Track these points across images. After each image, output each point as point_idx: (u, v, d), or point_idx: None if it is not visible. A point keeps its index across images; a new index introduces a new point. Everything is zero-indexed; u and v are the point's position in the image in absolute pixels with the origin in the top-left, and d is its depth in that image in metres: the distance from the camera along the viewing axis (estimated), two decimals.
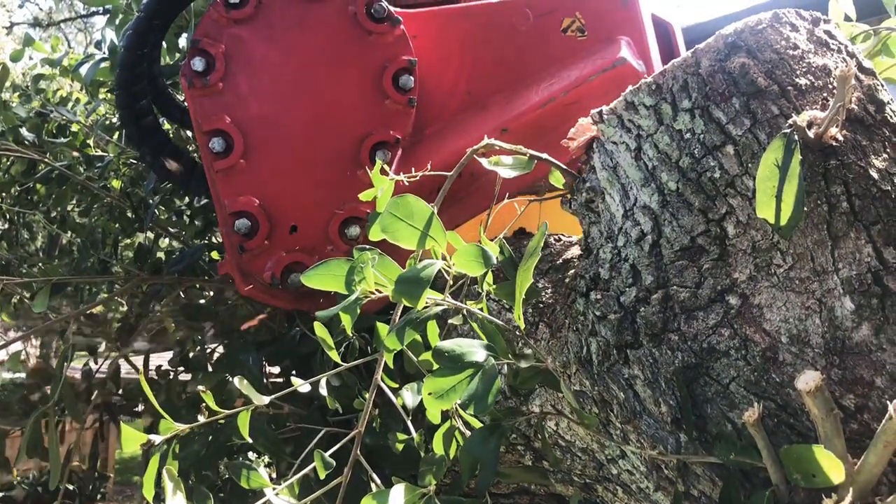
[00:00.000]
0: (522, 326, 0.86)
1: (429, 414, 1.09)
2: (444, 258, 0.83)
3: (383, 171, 1.06)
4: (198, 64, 1.56)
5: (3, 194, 2.75)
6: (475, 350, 0.85)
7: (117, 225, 2.48)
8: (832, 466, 0.77)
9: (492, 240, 1.13)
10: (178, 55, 2.55)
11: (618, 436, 1.09)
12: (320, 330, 0.97)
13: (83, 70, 2.50)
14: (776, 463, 0.84)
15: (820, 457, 0.78)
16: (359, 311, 0.84)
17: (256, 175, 1.58)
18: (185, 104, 1.90)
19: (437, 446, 1.04)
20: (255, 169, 1.58)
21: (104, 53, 2.46)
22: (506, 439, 1.32)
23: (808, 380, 0.80)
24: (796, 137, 0.85)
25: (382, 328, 1.08)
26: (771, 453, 0.84)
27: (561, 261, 1.36)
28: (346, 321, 0.86)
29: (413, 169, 1.20)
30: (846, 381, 0.88)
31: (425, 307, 0.82)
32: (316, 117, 1.60)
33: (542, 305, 1.30)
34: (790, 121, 0.87)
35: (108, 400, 2.13)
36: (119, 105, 1.92)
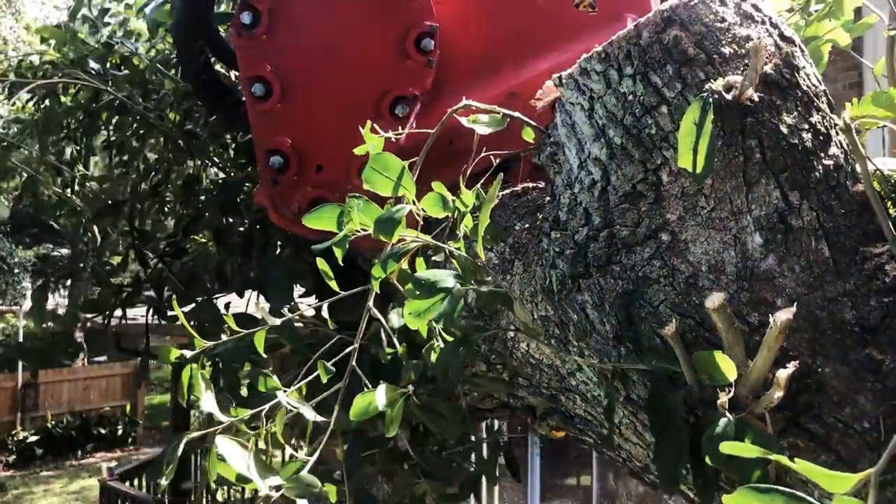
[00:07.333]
0: (482, 257, 1.05)
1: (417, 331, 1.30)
2: (413, 203, 1.02)
3: (393, 126, 1.24)
4: (246, 17, 1.76)
5: (71, 120, 2.94)
6: (447, 278, 1.04)
7: (170, 154, 2.68)
8: (727, 367, 0.96)
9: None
10: (233, 4, 2.72)
11: (575, 352, 1.29)
12: (321, 264, 1.16)
13: (147, 10, 2.70)
14: (690, 368, 1.04)
15: (719, 360, 0.97)
16: (347, 245, 1.03)
17: (291, 118, 1.80)
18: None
19: (427, 358, 1.25)
20: (289, 113, 1.80)
21: None
22: (485, 358, 1.53)
23: (714, 299, 0.99)
24: (711, 100, 1.02)
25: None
26: (686, 360, 1.04)
27: (536, 206, 1.55)
28: (338, 253, 1.05)
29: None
30: (752, 301, 1.07)
31: (402, 241, 1.01)
32: (345, 71, 1.81)
33: (517, 245, 1.49)
34: (707, 86, 1.04)
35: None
36: (175, 43, 2.13)
